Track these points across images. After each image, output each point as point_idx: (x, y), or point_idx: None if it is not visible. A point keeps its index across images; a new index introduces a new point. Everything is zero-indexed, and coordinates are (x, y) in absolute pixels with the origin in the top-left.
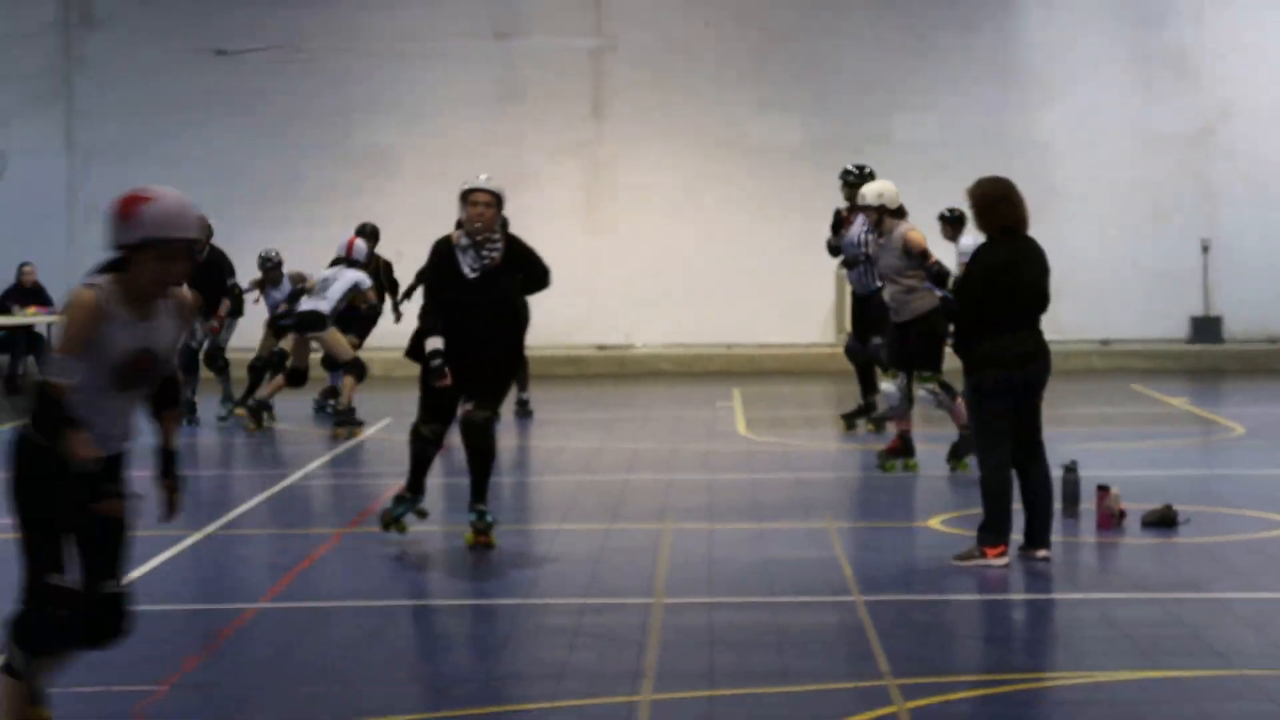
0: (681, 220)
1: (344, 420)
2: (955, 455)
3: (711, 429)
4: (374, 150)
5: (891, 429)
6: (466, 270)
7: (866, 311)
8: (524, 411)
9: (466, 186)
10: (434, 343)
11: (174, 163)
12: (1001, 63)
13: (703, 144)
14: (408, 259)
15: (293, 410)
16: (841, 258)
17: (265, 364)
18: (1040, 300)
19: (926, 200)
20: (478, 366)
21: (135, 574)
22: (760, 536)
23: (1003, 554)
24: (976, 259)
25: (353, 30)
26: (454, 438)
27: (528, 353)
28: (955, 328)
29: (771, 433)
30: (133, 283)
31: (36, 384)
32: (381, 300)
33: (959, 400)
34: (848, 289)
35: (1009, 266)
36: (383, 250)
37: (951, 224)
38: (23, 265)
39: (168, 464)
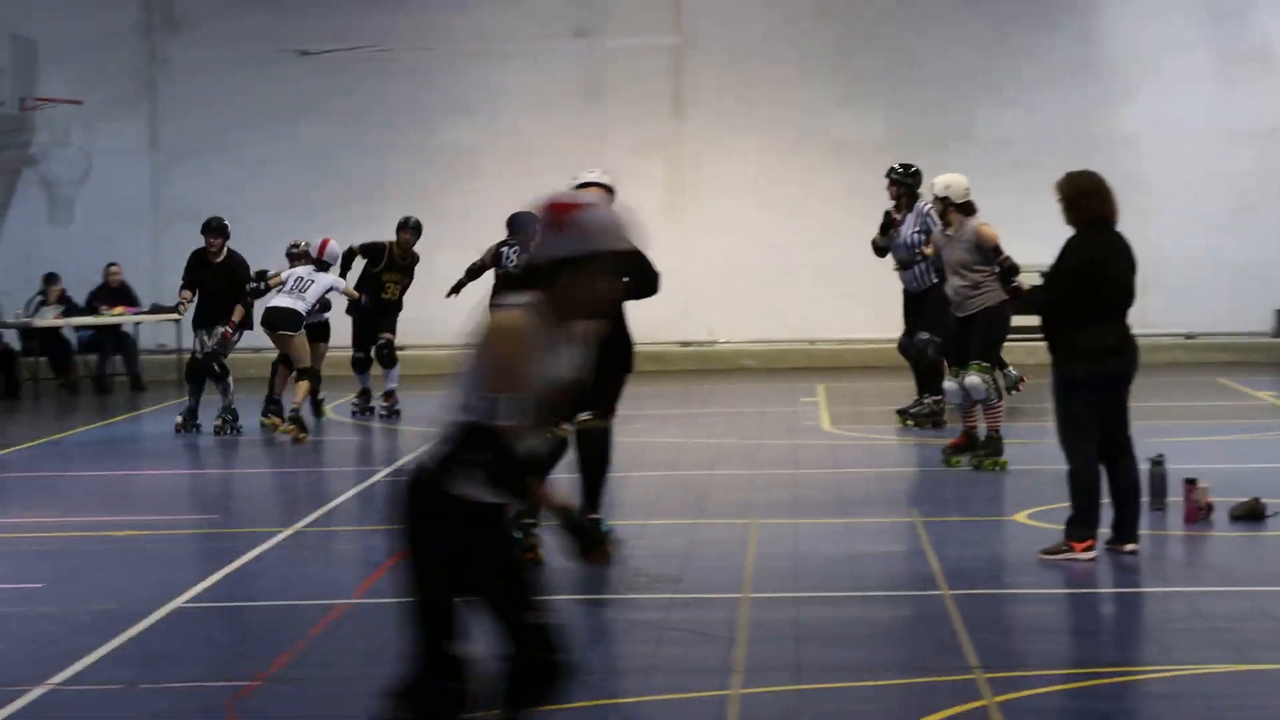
0: (763, 216)
1: (294, 419)
2: (958, 452)
3: (795, 425)
4: (456, 150)
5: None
6: None
7: (920, 308)
8: None
9: (578, 180)
10: None
11: (258, 164)
12: (1083, 57)
13: (784, 140)
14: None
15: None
16: (890, 257)
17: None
18: (1126, 295)
19: (1009, 196)
20: (593, 373)
21: (228, 569)
22: (846, 531)
23: (1090, 548)
24: (1066, 252)
25: (435, 30)
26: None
27: None
28: (1042, 321)
29: (856, 428)
30: (564, 301)
31: (473, 429)
32: (403, 292)
33: (1001, 403)
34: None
35: (1097, 260)
36: (461, 248)
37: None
38: (109, 266)
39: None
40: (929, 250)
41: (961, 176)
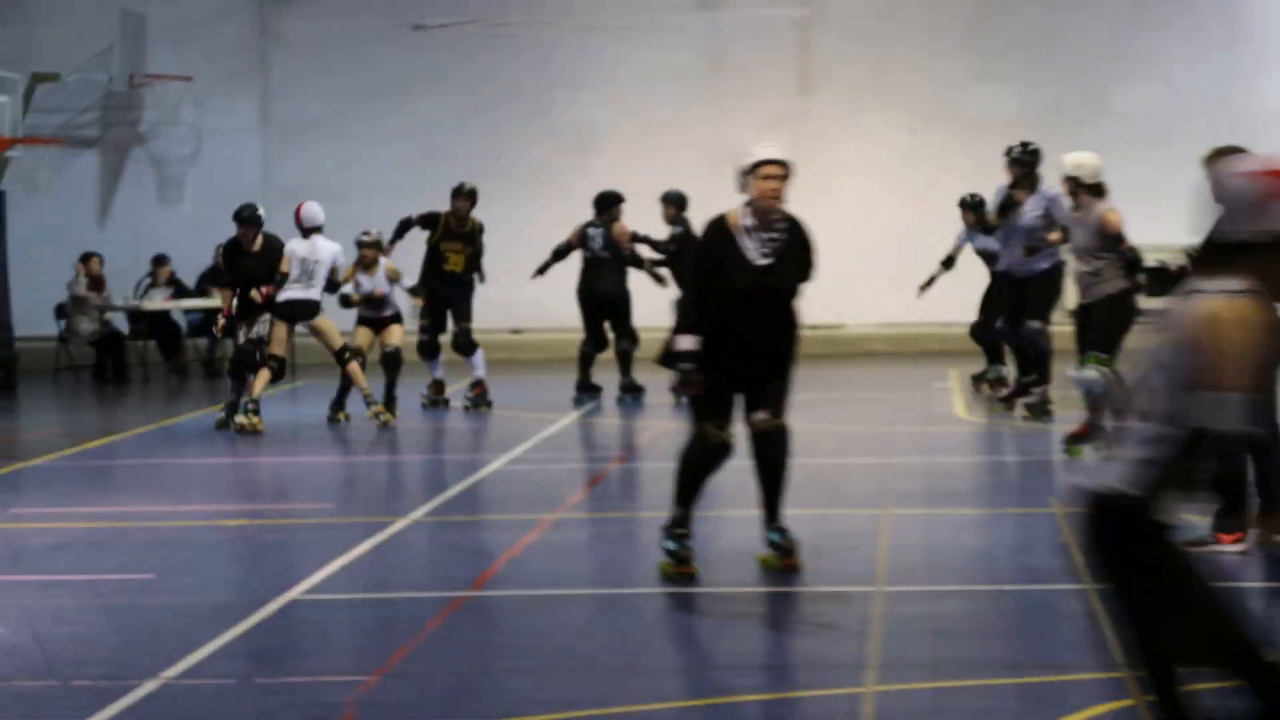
0: (893, 195)
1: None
2: (1077, 441)
3: (927, 411)
4: (575, 127)
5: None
6: (753, 256)
7: (1025, 293)
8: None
9: (755, 158)
10: (688, 341)
11: (372, 141)
12: (1227, 29)
13: (914, 116)
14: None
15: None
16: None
17: (396, 355)
18: None
19: (1147, 173)
20: (764, 367)
21: (343, 560)
22: (983, 521)
23: (1239, 540)
24: None
25: (553, 3)
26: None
27: (656, 336)
28: None
29: (991, 414)
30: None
31: (1188, 438)
32: (472, 265)
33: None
34: (1069, 265)
35: None
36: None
37: (974, 210)
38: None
39: None
40: (1054, 237)
41: (1093, 155)
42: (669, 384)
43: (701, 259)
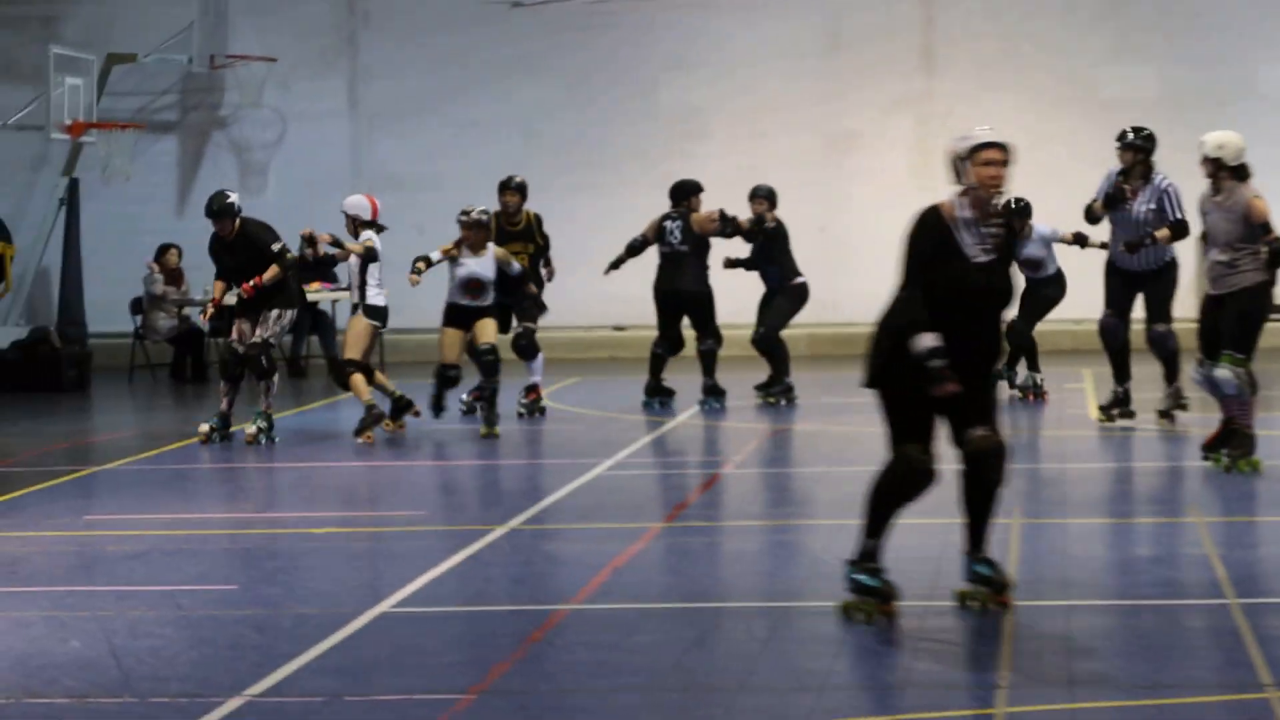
0: (1022, 181)
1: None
2: (1215, 447)
3: (1060, 413)
4: (681, 110)
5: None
6: (972, 251)
7: (1146, 291)
8: (789, 398)
9: (973, 142)
10: (930, 339)
11: (466, 125)
12: None
13: (1046, 98)
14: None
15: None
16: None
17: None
18: None
19: None
20: (976, 374)
21: (438, 571)
22: (1120, 531)
23: None
24: None
25: None
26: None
27: (799, 330)
28: None
29: (1128, 417)
30: None
31: None
32: (539, 259)
33: (1256, 398)
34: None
35: None
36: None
37: (1019, 216)
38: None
39: None
40: (1161, 236)
41: (1236, 135)
42: (929, 386)
43: (916, 255)
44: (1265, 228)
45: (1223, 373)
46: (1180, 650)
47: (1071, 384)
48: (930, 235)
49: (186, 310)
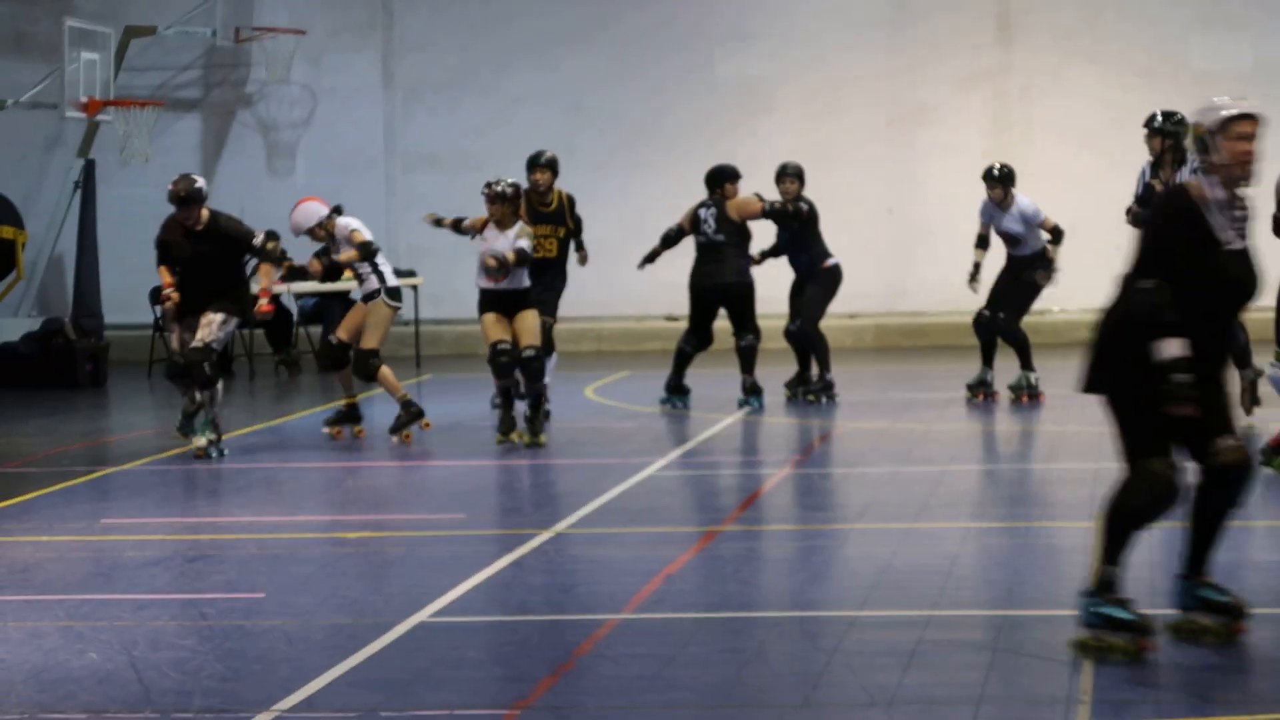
0: (1105, 161)
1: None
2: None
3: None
4: (742, 83)
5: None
6: (1226, 236)
7: None
8: (830, 396)
9: (1225, 113)
10: (1176, 346)
11: (510, 101)
12: None
13: (1131, 71)
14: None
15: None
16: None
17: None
18: None
19: None
20: (1216, 375)
21: (479, 578)
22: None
23: None
24: None
25: None
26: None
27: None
28: None
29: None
30: None
31: None
32: (567, 247)
33: None
34: None
35: None
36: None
37: (1001, 184)
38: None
39: None
40: None
41: None
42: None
43: (1165, 242)
44: None
45: (1274, 370)
46: (1277, 664)
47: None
48: (1183, 220)
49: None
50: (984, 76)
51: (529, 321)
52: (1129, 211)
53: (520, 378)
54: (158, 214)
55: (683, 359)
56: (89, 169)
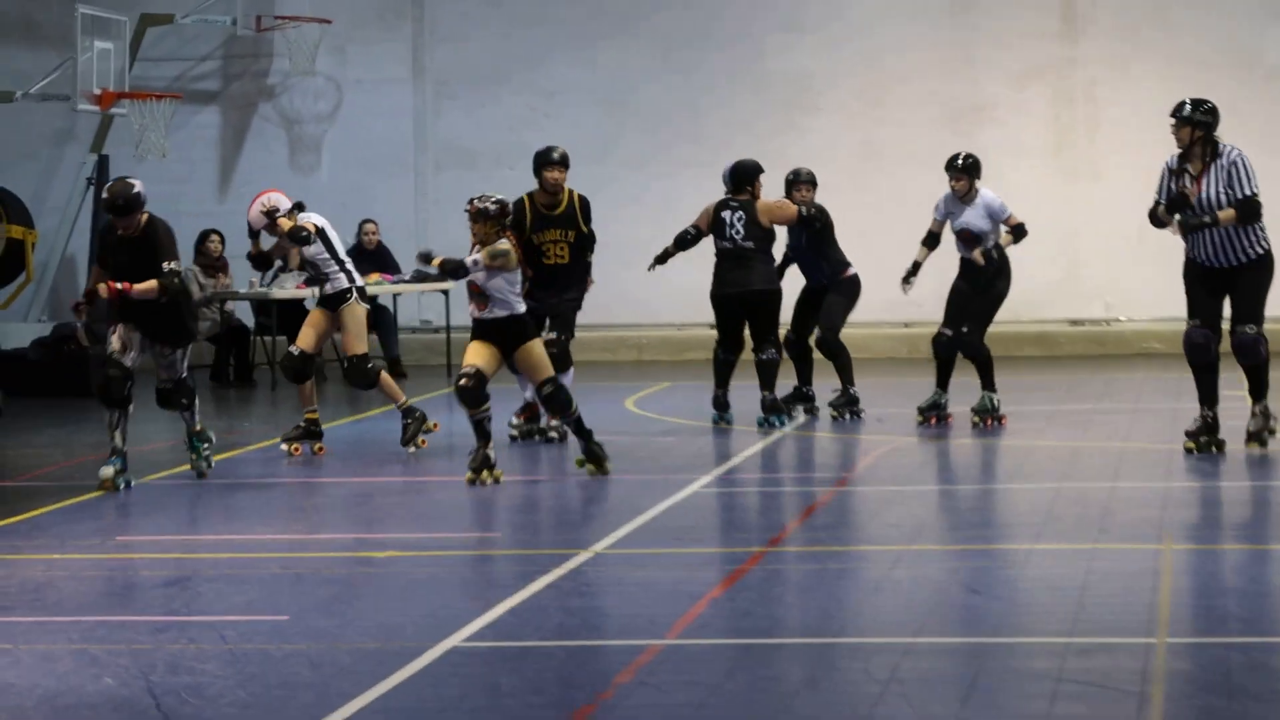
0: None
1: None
2: None
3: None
4: (791, 78)
5: None
6: None
7: (1234, 286)
8: (854, 412)
9: None
10: None
11: (545, 94)
12: None
13: (1204, 65)
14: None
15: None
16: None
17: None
18: None
19: None
20: None
21: (515, 601)
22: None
23: None
24: None
25: None
26: None
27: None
28: None
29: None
30: None
31: None
32: (577, 250)
33: None
34: None
35: None
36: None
37: (966, 174)
38: (364, 223)
39: None
40: (1227, 215)
41: None
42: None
43: None
44: None
45: None
46: None
47: (1228, 391)
48: None
49: (230, 305)
50: (1046, 71)
51: (535, 356)
52: (1152, 214)
53: (553, 416)
54: (175, 212)
55: (725, 369)
56: (102, 164)
